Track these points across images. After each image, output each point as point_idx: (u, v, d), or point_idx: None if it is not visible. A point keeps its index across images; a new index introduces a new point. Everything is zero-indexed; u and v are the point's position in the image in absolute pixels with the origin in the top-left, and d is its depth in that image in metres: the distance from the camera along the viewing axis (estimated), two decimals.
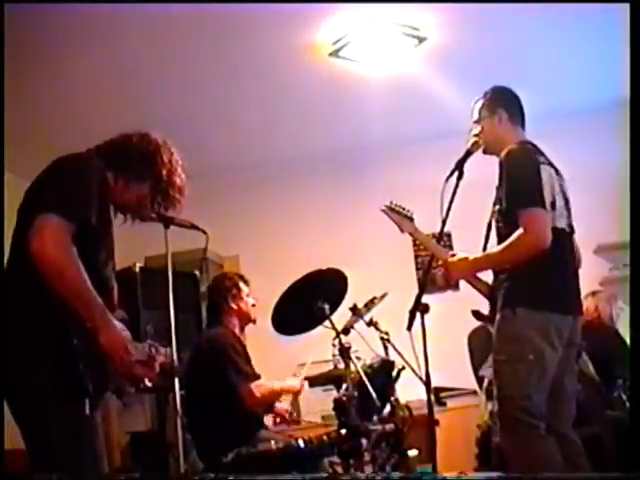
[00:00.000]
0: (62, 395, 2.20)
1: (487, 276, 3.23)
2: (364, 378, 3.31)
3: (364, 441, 3.28)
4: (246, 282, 4.07)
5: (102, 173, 2.41)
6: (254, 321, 4.05)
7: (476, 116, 3.28)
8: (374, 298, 3.75)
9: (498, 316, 3.05)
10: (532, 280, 2.99)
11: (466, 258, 3.18)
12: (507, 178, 3.03)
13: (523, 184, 3.01)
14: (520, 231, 2.94)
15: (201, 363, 3.76)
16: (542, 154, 3.17)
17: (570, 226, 3.18)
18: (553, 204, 3.04)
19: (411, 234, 3.45)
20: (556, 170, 3.19)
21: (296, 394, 4.03)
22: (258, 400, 3.75)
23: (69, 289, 2.20)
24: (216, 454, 3.52)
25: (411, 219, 3.41)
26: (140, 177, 2.52)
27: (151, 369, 2.47)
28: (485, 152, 3.23)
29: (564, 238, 3.10)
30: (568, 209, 3.18)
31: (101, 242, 2.41)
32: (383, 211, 3.44)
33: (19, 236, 2.31)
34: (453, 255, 3.24)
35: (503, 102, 3.25)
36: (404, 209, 3.42)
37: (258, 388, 3.74)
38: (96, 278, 2.28)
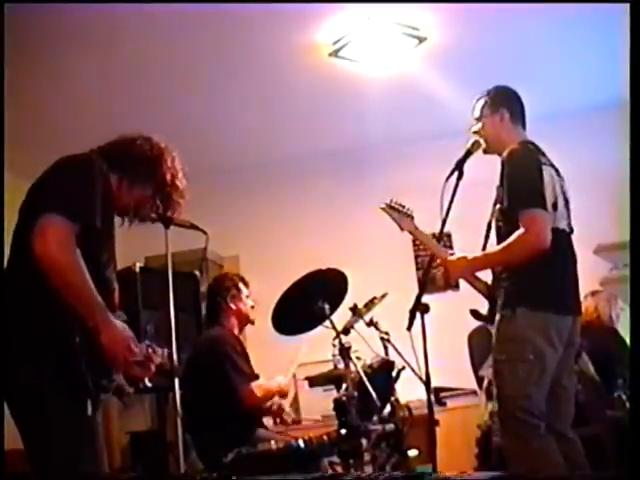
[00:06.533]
0: (64, 395, 2.20)
1: (486, 276, 3.24)
2: (364, 378, 3.30)
3: (364, 441, 3.28)
4: (246, 284, 4.08)
5: (105, 174, 2.41)
6: (252, 322, 4.06)
7: (478, 114, 3.28)
8: (374, 298, 3.75)
9: (498, 316, 3.05)
10: (532, 280, 2.99)
11: (465, 257, 3.18)
12: (508, 178, 3.03)
13: (524, 185, 3.01)
14: (520, 231, 2.94)
15: (201, 363, 3.76)
16: (543, 154, 3.17)
17: (570, 226, 3.19)
18: (555, 205, 3.05)
19: (410, 232, 3.41)
20: (556, 171, 3.20)
21: (284, 395, 4.03)
22: (258, 401, 3.77)
23: (71, 290, 2.20)
24: (216, 454, 3.52)
25: (411, 217, 3.39)
26: (143, 180, 2.53)
27: (147, 369, 2.46)
28: (486, 152, 3.22)
29: (564, 239, 3.11)
30: (568, 210, 3.18)
31: (103, 243, 2.40)
32: (382, 209, 3.42)
33: (20, 236, 2.31)
34: (452, 254, 3.24)
35: (505, 101, 3.26)
36: (404, 207, 3.40)
37: (258, 389, 3.75)
38: (98, 279, 2.28)
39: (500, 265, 3.15)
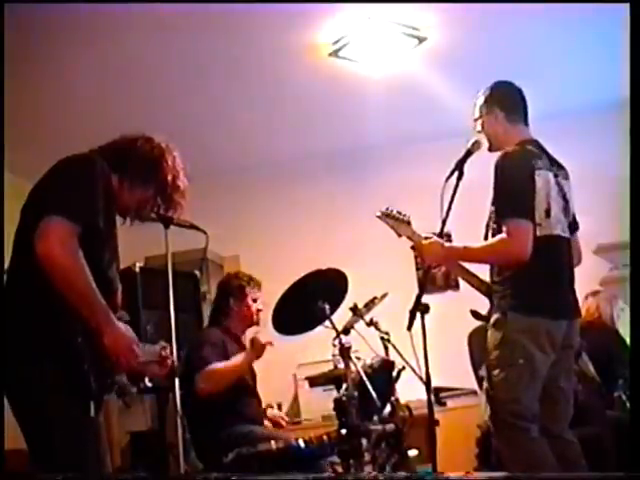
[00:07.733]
0: (67, 396, 2.20)
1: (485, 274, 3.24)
2: (364, 378, 3.30)
3: (364, 441, 3.28)
4: (258, 285, 4.02)
5: (107, 174, 2.41)
6: (257, 323, 4.01)
7: (477, 113, 3.27)
8: (374, 298, 3.74)
9: (491, 320, 3.06)
10: (523, 286, 2.99)
11: (442, 243, 3.13)
12: (497, 184, 3.02)
13: (511, 193, 3.00)
14: (503, 236, 2.94)
15: (186, 363, 3.72)
16: (543, 154, 3.14)
17: (570, 226, 3.18)
18: (548, 211, 3.03)
19: (409, 237, 3.32)
20: (558, 168, 3.17)
21: (257, 357, 3.78)
22: (208, 389, 3.63)
23: (74, 291, 2.21)
24: (216, 454, 3.52)
25: (408, 223, 3.33)
26: (145, 181, 2.53)
27: (165, 368, 2.51)
28: (490, 150, 3.22)
29: (559, 244, 3.10)
30: (567, 212, 3.16)
31: (106, 243, 2.41)
32: (379, 217, 3.37)
33: (22, 237, 2.31)
34: (427, 238, 3.19)
35: (499, 100, 3.22)
36: (400, 214, 3.32)
37: (205, 376, 3.64)
38: (100, 279, 2.28)
39: (476, 262, 3.18)
